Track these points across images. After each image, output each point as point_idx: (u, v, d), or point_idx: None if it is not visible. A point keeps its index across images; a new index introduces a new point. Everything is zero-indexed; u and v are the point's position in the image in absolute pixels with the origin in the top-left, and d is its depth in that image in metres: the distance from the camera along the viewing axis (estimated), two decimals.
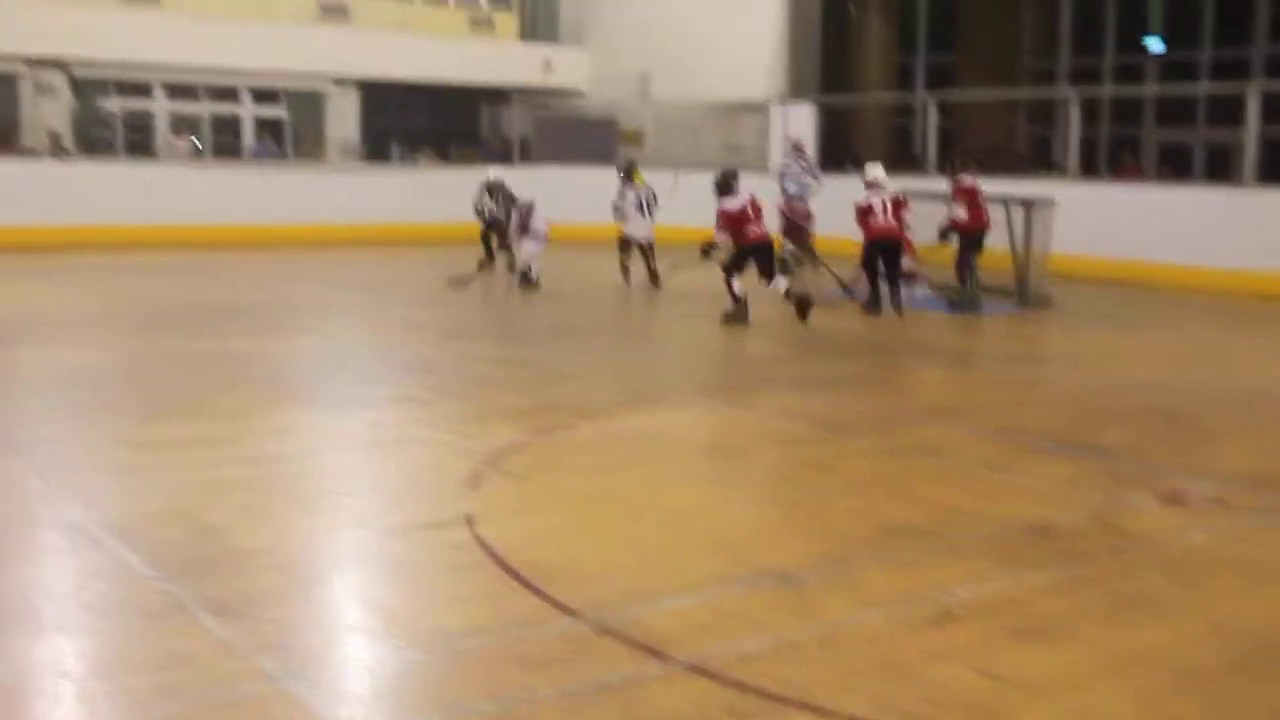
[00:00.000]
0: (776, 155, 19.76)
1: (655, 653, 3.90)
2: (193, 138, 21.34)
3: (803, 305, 11.38)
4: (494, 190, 14.96)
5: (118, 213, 18.22)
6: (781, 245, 17.18)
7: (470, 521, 5.22)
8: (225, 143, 22.22)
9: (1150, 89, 24.77)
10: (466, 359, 9.70)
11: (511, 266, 14.39)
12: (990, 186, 13.33)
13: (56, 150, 19.20)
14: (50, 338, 10.39)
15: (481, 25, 24.14)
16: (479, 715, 3.51)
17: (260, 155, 21.26)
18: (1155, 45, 25.48)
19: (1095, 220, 15.17)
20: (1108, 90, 24.64)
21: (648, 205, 14.38)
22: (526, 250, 13.95)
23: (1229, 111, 18.36)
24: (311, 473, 6.24)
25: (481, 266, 14.58)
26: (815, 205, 15.85)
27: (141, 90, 21.32)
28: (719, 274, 11.64)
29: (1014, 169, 20.48)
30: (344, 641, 4.12)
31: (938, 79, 25.31)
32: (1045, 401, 8.56)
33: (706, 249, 11.67)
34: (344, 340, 10.92)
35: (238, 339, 10.41)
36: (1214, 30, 24.21)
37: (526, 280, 13.83)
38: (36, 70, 19.63)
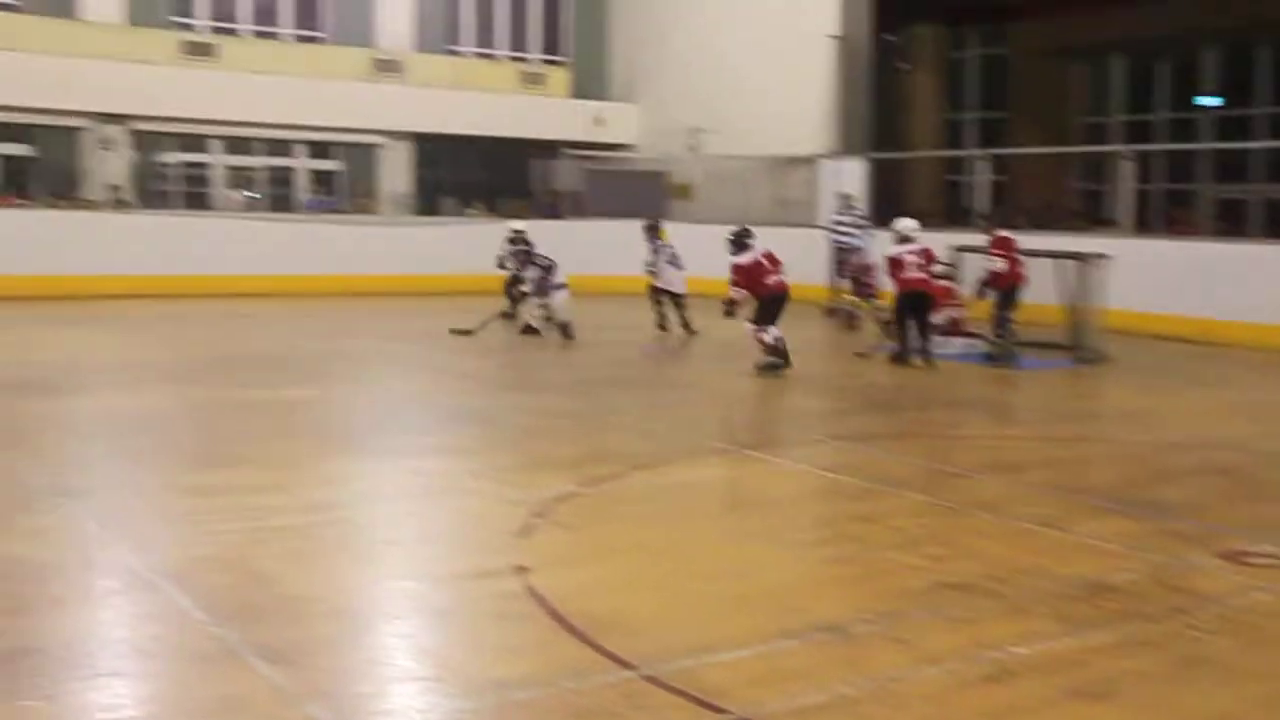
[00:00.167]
0: (825, 210, 19.79)
1: (708, 706, 3.85)
2: (247, 191, 21.65)
3: (777, 367, 11.51)
4: (515, 243, 15.14)
5: (174, 263, 18.56)
6: (840, 296, 17.25)
7: (520, 571, 5.20)
8: (279, 195, 22.56)
9: (1205, 144, 24.59)
10: (515, 409, 9.72)
11: (548, 318, 14.48)
12: (1042, 242, 13.25)
13: (116, 202, 19.54)
14: (108, 385, 10.52)
15: (533, 81, 24.41)
16: None
17: (313, 208, 21.53)
18: (1209, 101, 25.33)
19: (1149, 275, 15.02)
20: (1162, 145, 24.49)
21: (677, 259, 14.87)
22: (559, 301, 14.17)
23: None
24: (362, 521, 6.25)
25: (504, 316, 14.73)
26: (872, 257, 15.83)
27: (199, 144, 21.71)
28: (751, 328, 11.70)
29: (1066, 225, 20.40)
30: (395, 690, 4.10)
31: (988, 135, 25.28)
32: (1102, 458, 8.44)
33: (729, 308, 11.80)
34: (394, 390, 10.97)
35: (290, 388, 10.50)
36: (1270, 86, 24.05)
37: (565, 331, 14.01)
38: (100, 125, 20.04)
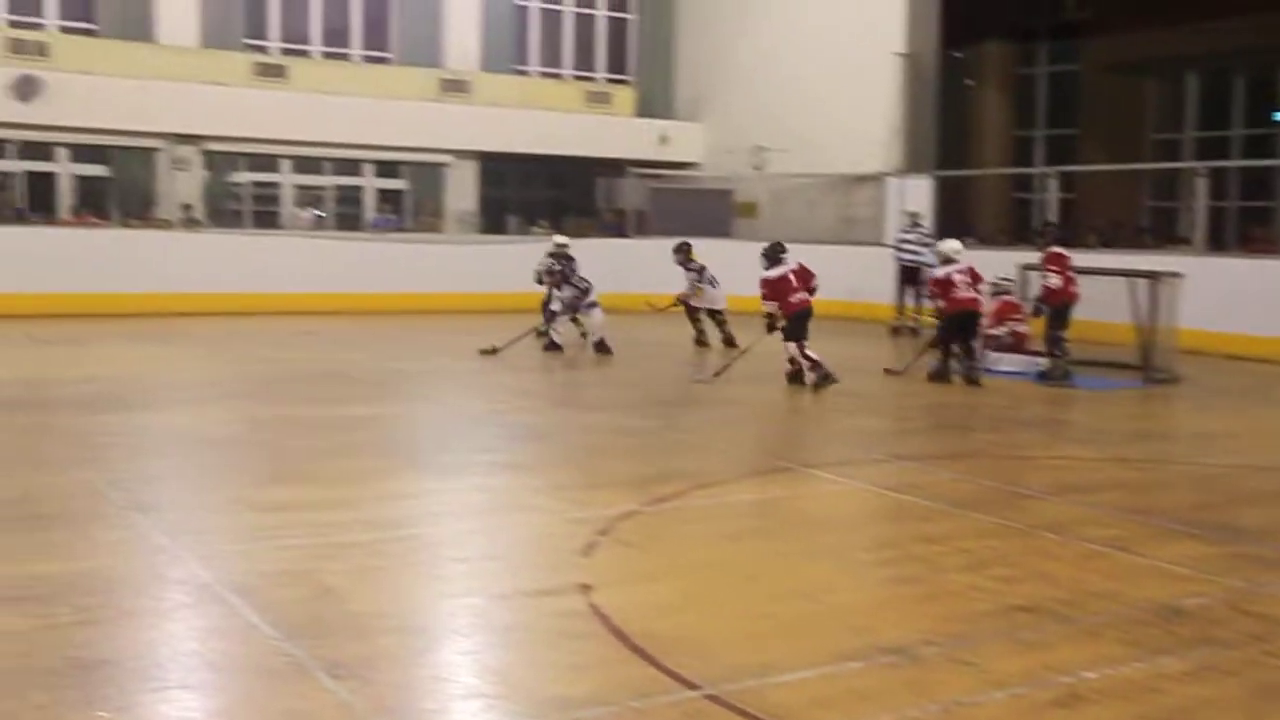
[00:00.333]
0: (892, 228, 19.69)
1: None
2: (316, 209, 21.93)
3: (824, 380, 11.69)
4: (557, 258, 15.15)
5: (243, 281, 18.83)
6: (906, 314, 17.19)
7: (584, 589, 5.20)
8: (347, 214, 22.84)
9: None
10: (576, 427, 9.74)
11: (583, 334, 14.81)
12: (1112, 260, 13.09)
13: (189, 222, 19.88)
14: (178, 402, 10.69)
15: (598, 100, 24.53)
16: None
17: (379, 226, 21.75)
18: None
19: (1223, 294, 14.78)
20: (1237, 162, 24.06)
21: (714, 277, 15.41)
22: (595, 320, 14.43)
23: None
24: (427, 538, 6.28)
25: (538, 334, 14.82)
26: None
27: (269, 164, 22.04)
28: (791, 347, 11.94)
29: (1137, 243, 20.12)
30: (459, 707, 4.11)
31: (1057, 152, 25.00)
32: (1174, 480, 8.30)
33: (770, 322, 12.08)
34: (458, 407, 11.04)
35: (356, 405, 10.60)
36: None
37: (602, 348, 14.27)
38: (173, 145, 20.41)
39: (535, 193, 25.82)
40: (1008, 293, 13.88)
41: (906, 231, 18.35)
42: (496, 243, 21.57)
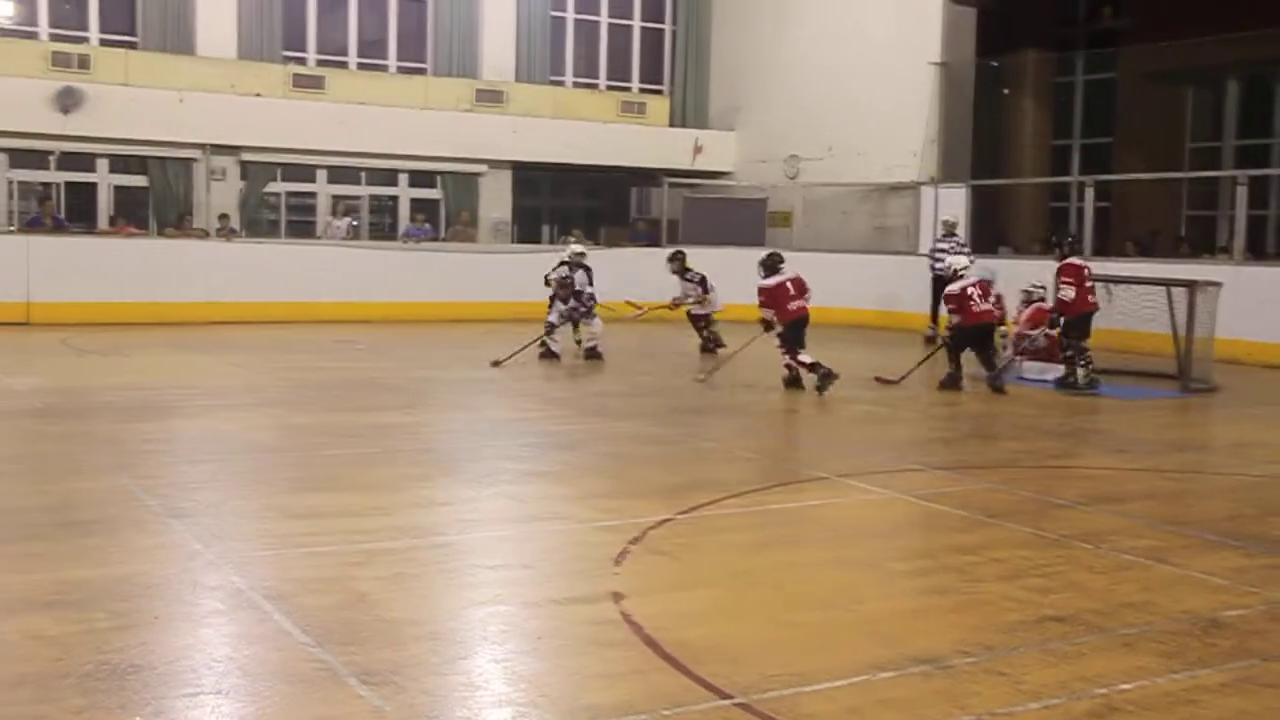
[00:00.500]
0: (926, 237, 19.61)
1: None
2: (350, 219, 22.05)
3: (826, 379, 11.91)
4: (573, 267, 15.07)
5: (279, 290, 18.96)
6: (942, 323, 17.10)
7: (617, 598, 5.20)
8: (382, 224, 22.97)
9: None
10: (608, 436, 9.75)
11: (578, 341, 15.03)
12: (1150, 269, 13.01)
13: (224, 231, 20.05)
14: (214, 409, 10.77)
15: (633, 110, 24.56)
16: None
17: (412, 235, 21.85)
18: None
19: (1263, 304, 14.64)
20: (1277, 170, 23.81)
21: (713, 285, 15.98)
22: (594, 328, 14.67)
23: None
24: (459, 545, 6.30)
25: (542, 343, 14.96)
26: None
27: (305, 174, 22.20)
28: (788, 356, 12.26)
29: (1175, 252, 19.94)
30: (491, 715, 4.11)
31: (1093, 161, 24.83)
32: (1211, 491, 8.22)
33: (766, 326, 12.45)
34: (491, 415, 11.07)
35: (390, 413, 10.65)
36: None
37: (593, 354, 14.59)
38: (210, 156, 20.60)
39: (569, 202, 25.90)
40: (1042, 300, 13.83)
41: (941, 241, 18.28)
42: (531, 252, 21.63)
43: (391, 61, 23.00)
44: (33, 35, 20.12)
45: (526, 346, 14.38)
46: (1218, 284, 12.95)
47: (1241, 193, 17.25)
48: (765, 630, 4.93)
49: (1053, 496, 7.72)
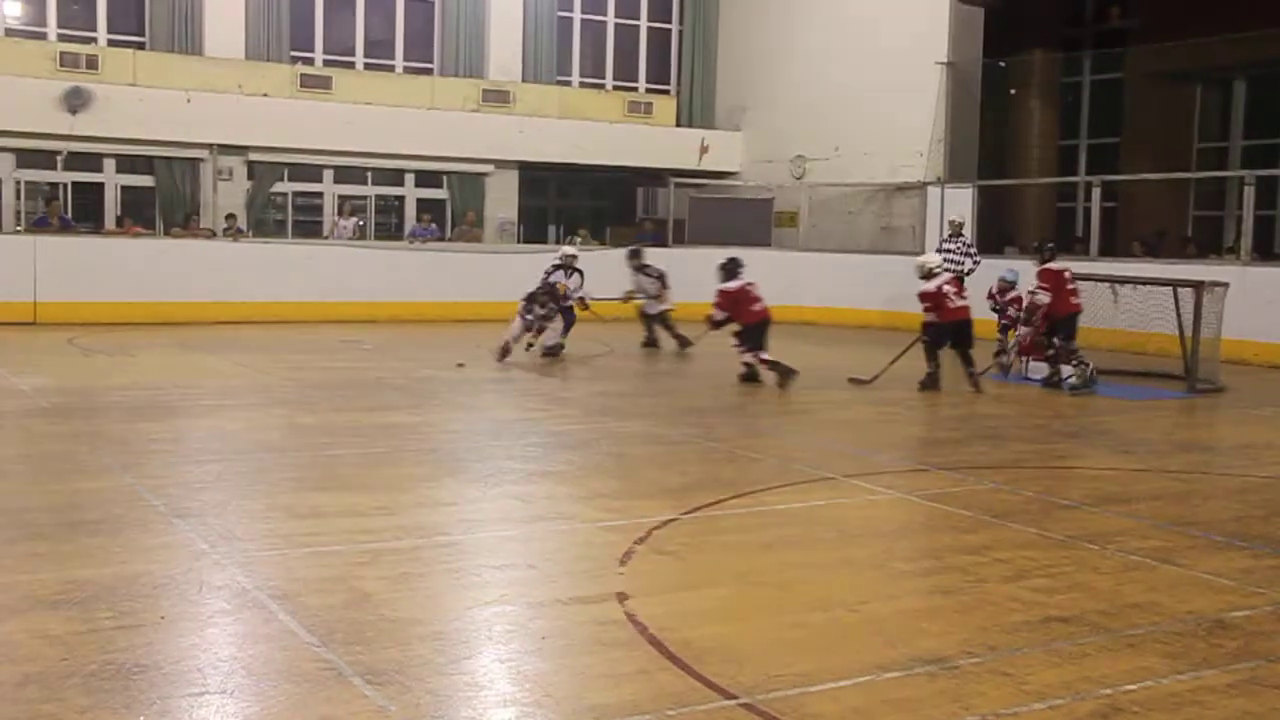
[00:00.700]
0: (933, 237, 19.60)
1: None
2: (356, 219, 22.05)
3: (787, 376, 12.40)
4: (567, 269, 15.18)
5: (286, 290, 18.99)
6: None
7: (622, 598, 5.20)
8: (388, 223, 22.98)
9: None
10: (614, 436, 9.74)
11: (531, 345, 14.90)
12: (1157, 269, 13.01)
13: (231, 231, 20.07)
14: (220, 409, 10.78)
15: (639, 110, 24.56)
16: None
17: (418, 235, 21.86)
18: None
19: (1269, 304, 14.61)
20: None
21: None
22: (554, 330, 14.75)
23: None
24: (464, 545, 6.30)
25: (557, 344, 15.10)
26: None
27: (312, 174, 22.22)
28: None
29: (1182, 252, 19.91)
30: (496, 714, 4.11)
31: (1101, 161, 24.79)
32: (1217, 492, 8.20)
33: (712, 325, 13.13)
34: (497, 415, 11.08)
35: (396, 412, 10.66)
36: None
37: (551, 352, 14.75)
38: (217, 156, 20.63)
39: (575, 202, 25.92)
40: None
41: (948, 241, 18.26)
42: (537, 252, 21.61)
43: (398, 62, 23.03)
44: (41, 36, 20.16)
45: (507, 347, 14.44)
46: (1224, 284, 12.94)
47: (1249, 193, 17.22)
48: (770, 630, 4.93)
49: (1058, 497, 7.72)
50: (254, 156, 21.10)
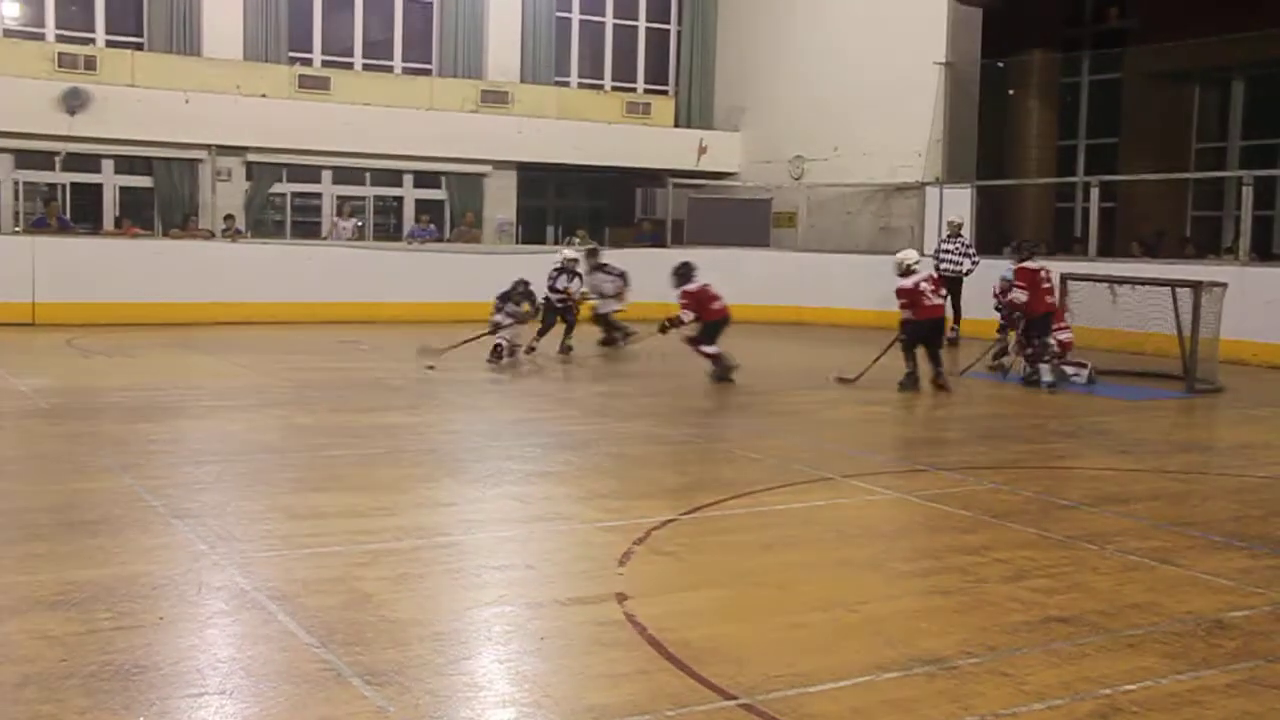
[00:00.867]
0: (932, 237, 19.60)
1: None
2: (355, 220, 22.04)
3: (727, 371, 12.85)
4: (564, 271, 15.25)
5: (284, 291, 18.98)
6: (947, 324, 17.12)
7: (621, 598, 5.20)
8: (385, 223, 22.96)
9: None
10: (614, 437, 9.75)
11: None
12: (1156, 269, 13.03)
13: (229, 232, 20.06)
14: (219, 410, 10.78)
15: (638, 110, 24.55)
16: None
17: (416, 236, 21.86)
18: None
19: (1269, 304, 14.61)
20: None
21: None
22: (513, 331, 14.39)
23: None
24: (464, 546, 6.30)
25: (563, 346, 15.15)
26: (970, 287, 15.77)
27: (310, 175, 22.21)
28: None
29: (1180, 252, 19.92)
30: (495, 715, 4.11)
31: (1099, 162, 24.80)
32: (1215, 492, 8.21)
33: (672, 324, 13.28)
34: (496, 416, 11.08)
35: (395, 413, 10.66)
36: None
37: (499, 355, 14.32)
38: (216, 157, 20.62)
39: (574, 203, 25.92)
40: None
41: (947, 241, 18.27)
42: (536, 253, 21.61)
43: (397, 62, 23.02)
44: (39, 36, 20.15)
45: (468, 341, 14.34)
46: (1223, 284, 12.94)
47: (1247, 193, 17.23)
48: (769, 631, 4.93)
49: (1057, 497, 7.72)
50: (252, 157, 21.09)
